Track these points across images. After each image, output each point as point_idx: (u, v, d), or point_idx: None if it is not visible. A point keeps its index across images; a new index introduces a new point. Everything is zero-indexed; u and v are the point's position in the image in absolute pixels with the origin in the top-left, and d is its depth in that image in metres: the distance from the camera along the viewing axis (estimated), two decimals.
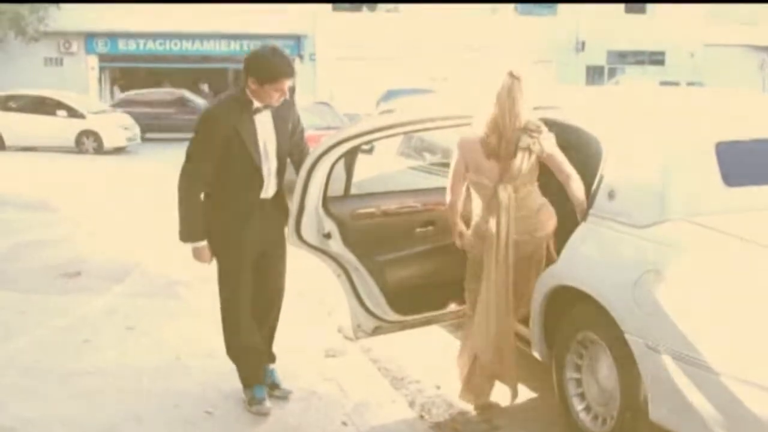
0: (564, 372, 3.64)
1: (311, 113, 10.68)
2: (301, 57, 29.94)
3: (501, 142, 3.60)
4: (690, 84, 25.82)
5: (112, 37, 29.93)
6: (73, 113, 18.93)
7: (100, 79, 30.89)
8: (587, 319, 3.46)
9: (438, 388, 4.29)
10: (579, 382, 3.60)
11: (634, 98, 4.51)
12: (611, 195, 3.47)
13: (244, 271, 3.72)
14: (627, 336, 3.17)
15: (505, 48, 28.72)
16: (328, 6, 31.01)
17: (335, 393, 4.10)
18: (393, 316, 4.10)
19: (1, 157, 17.41)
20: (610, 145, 3.60)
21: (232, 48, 30.50)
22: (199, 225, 3.63)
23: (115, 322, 5.18)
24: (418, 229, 4.18)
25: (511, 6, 32.06)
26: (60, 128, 18.73)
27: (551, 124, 3.75)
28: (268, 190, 3.70)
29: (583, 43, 32.23)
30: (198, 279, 5.58)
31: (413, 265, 4.16)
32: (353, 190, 4.14)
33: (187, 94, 24.50)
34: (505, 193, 3.61)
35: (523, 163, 3.59)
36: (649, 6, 32.67)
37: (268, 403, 3.84)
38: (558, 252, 3.70)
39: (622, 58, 33.39)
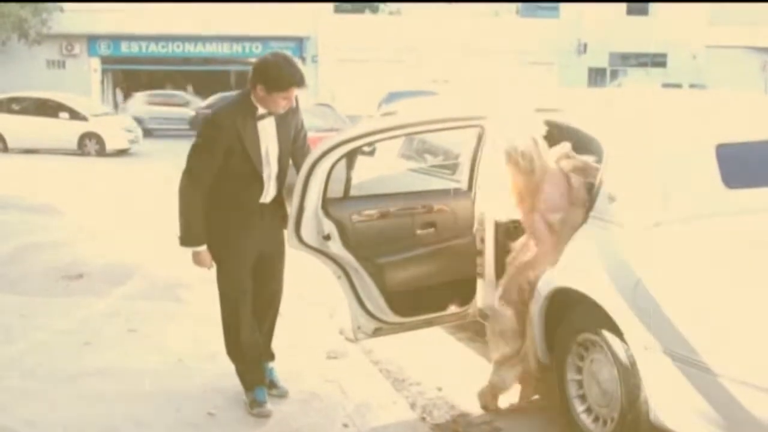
0: (565, 374, 3.64)
1: (313, 115, 10.69)
2: (302, 59, 29.89)
3: None
4: (692, 86, 25.76)
5: (115, 39, 30.00)
6: (75, 116, 18.97)
7: (102, 82, 30.96)
8: (588, 321, 3.46)
9: (439, 389, 4.28)
10: (580, 384, 3.60)
11: (635, 100, 4.51)
12: (612, 197, 3.47)
13: (244, 274, 3.72)
14: (627, 338, 3.18)
15: (506, 50, 28.72)
16: (330, 8, 31.04)
17: (336, 394, 4.10)
18: (393, 318, 4.10)
19: (3, 159, 17.44)
20: (611, 147, 3.60)
21: (235, 50, 30.57)
22: (200, 230, 3.62)
23: (116, 325, 5.18)
24: (419, 231, 4.18)
25: (513, 8, 32.06)
26: (62, 131, 18.79)
27: (553, 126, 3.76)
28: (268, 195, 3.71)
29: (585, 45, 32.17)
30: (200, 281, 5.57)
31: (413, 266, 4.15)
32: (353, 192, 4.15)
33: None
34: None
35: None
36: (651, 8, 32.60)
37: (269, 406, 3.84)
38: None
39: (625, 60, 33.32)
